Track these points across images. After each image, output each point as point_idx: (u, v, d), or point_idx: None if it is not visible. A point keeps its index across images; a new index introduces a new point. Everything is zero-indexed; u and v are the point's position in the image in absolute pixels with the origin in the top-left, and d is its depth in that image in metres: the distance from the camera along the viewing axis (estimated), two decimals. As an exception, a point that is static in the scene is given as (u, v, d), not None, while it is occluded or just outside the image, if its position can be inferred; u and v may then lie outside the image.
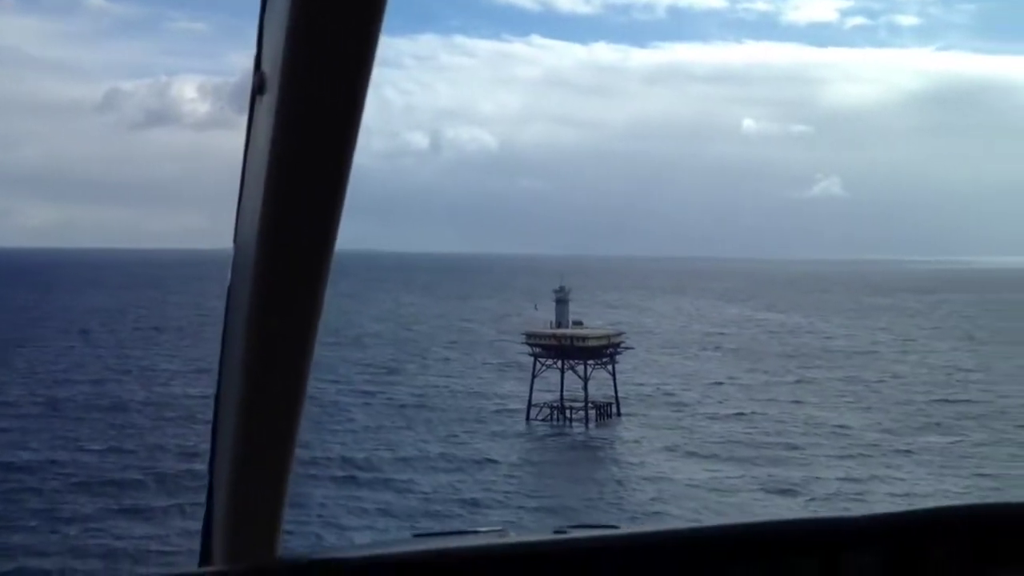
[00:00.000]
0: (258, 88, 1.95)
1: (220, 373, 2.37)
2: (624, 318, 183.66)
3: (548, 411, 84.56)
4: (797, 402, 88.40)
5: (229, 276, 2.22)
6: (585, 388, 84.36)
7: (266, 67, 1.90)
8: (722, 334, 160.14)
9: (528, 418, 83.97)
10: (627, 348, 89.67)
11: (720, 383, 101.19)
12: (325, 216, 1.84)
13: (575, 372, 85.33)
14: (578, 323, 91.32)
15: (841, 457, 67.03)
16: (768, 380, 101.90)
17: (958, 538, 2.24)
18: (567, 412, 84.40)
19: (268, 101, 1.87)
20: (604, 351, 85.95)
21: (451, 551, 2.20)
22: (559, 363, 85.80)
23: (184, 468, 57.61)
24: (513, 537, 2.46)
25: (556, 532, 2.42)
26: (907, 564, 2.19)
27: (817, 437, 74.04)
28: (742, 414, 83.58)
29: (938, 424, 78.43)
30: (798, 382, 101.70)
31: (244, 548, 2.37)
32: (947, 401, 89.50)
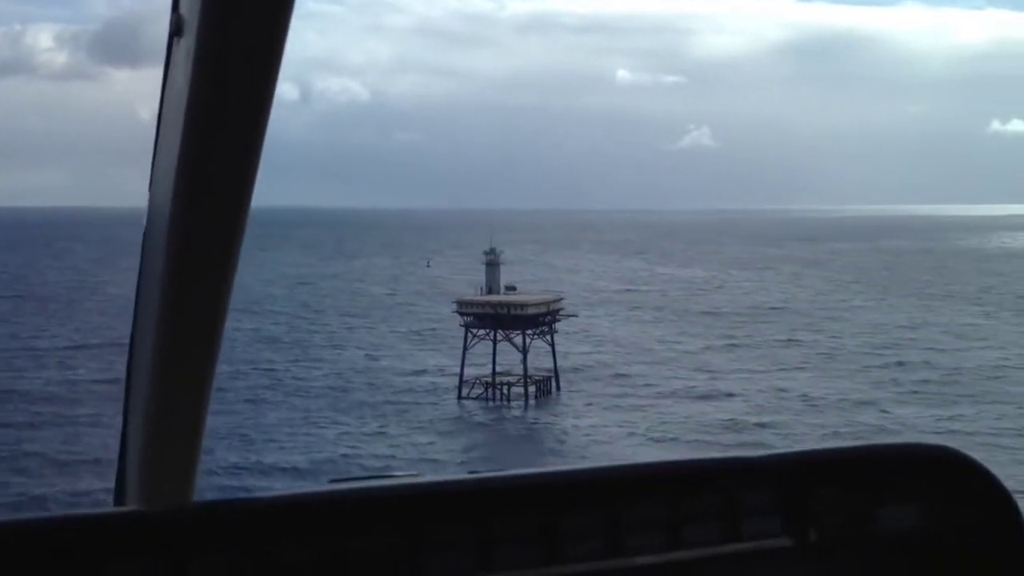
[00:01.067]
0: (175, 31, 1.87)
1: (136, 314, 2.39)
2: (525, 275, 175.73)
3: (482, 388, 76.09)
4: (749, 371, 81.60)
5: (144, 223, 2.25)
6: (524, 362, 76.13)
7: (183, 8, 1.82)
8: (631, 291, 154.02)
9: (460, 396, 75.44)
10: (568, 316, 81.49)
11: (654, 349, 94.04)
12: (244, 164, 1.82)
13: (512, 343, 77.13)
14: (511, 288, 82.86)
15: (828, 436, 60.09)
16: (705, 345, 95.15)
17: (849, 477, 2.31)
18: (503, 389, 76.06)
19: (186, 44, 1.80)
20: (543, 319, 77.67)
21: (368, 491, 2.22)
22: (494, 333, 77.35)
23: (70, 488, 47.05)
24: (429, 480, 2.54)
25: (472, 471, 2.47)
26: (801, 502, 2.27)
27: (788, 413, 67.21)
28: (694, 388, 76.33)
29: (913, 392, 72.64)
30: (734, 345, 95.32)
31: (158, 490, 2.36)
32: (901, 364, 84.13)
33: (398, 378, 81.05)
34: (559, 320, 79.06)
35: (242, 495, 2.43)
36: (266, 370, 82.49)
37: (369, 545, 2.15)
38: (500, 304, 76.66)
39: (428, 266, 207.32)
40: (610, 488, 2.34)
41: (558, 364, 78.74)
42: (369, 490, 2.31)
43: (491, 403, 75.04)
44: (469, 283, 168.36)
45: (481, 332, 78.18)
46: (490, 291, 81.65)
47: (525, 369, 75.90)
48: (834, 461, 2.49)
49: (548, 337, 78.36)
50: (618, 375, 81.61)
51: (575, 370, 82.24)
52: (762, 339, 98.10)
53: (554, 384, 77.32)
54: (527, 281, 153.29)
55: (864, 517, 2.40)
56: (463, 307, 78.63)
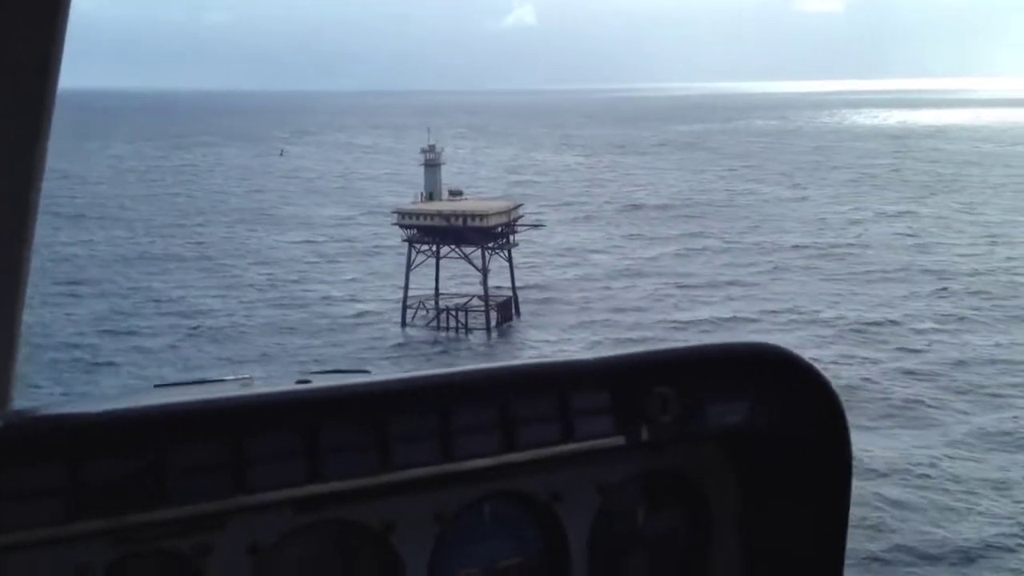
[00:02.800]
0: None
1: None
2: (395, 167, 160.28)
3: (427, 313, 62.92)
4: (737, 284, 70.45)
5: None
6: (485, 283, 63.11)
7: None
8: (525, 183, 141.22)
9: (404, 323, 62.23)
10: (533, 226, 68.59)
11: (603, 257, 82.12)
12: (47, 36, 1.70)
13: (469, 261, 64.15)
14: (456, 193, 68.88)
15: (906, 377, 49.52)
16: (660, 250, 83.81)
17: (681, 376, 2.40)
18: (457, 315, 63.07)
19: None
20: (502, 230, 64.38)
21: (190, 403, 2.12)
22: (447, 250, 64.12)
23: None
24: (259, 387, 2.45)
25: (300, 379, 2.36)
26: (633, 402, 2.36)
27: (841, 344, 56.19)
28: (696, 314, 64.61)
29: (942, 311, 62.88)
30: (690, 249, 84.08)
31: None
32: (904, 270, 74.61)
33: (322, 307, 66.53)
34: (518, 231, 65.80)
35: (59, 406, 2.14)
36: (155, 301, 66.24)
37: (190, 458, 1.99)
38: (454, 214, 62.57)
39: (281, 155, 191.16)
40: (441, 394, 2.23)
41: (503, 282, 66.05)
42: (192, 402, 2.08)
43: (446, 333, 61.89)
44: (339, 175, 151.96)
45: (426, 247, 64.62)
46: (430, 197, 67.41)
47: (487, 292, 62.92)
48: (666, 361, 2.44)
49: (505, 252, 65.34)
50: (583, 296, 69.22)
51: (526, 288, 69.47)
52: (715, 240, 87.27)
53: (514, 309, 64.53)
54: (399, 175, 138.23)
55: (695, 414, 2.39)
56: (406, 218, 64.26)
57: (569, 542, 2.42)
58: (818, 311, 62.54)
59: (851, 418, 2.38)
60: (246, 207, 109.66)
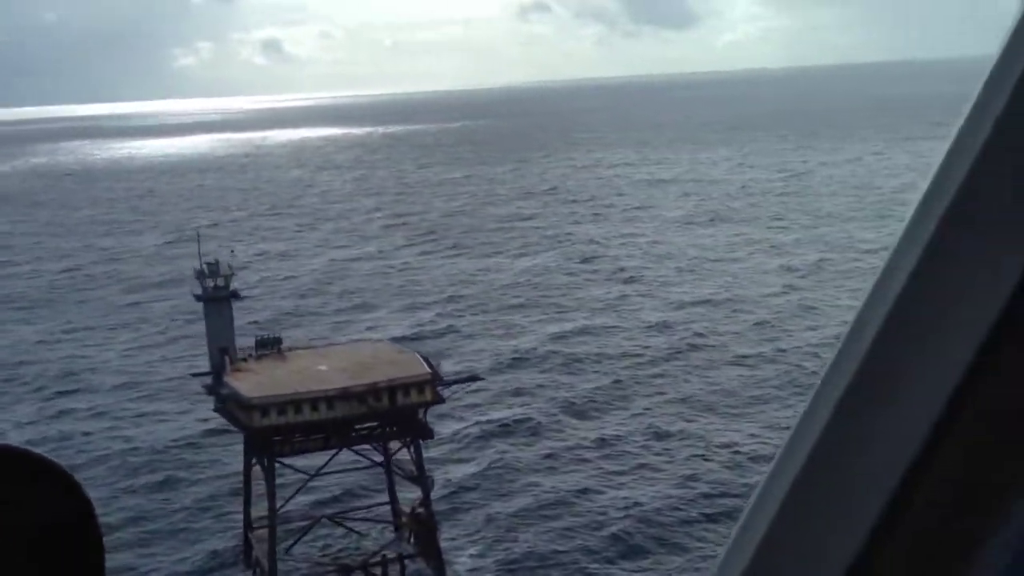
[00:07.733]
0: None
1: None
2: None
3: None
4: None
5: None
6: (427, 502, 36.48)
7: None
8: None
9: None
10: (470, 379, 41.41)
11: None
12: None
13: (400, 469, 37.00)
14: (272, 343, 37.85)
15: None
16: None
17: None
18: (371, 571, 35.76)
19: None
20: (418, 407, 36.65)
21: None
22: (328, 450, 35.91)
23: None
24: None
25: None
26: None
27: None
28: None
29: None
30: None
31: None
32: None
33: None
34: (439, 400, 37.91)
35: None
36: None
37: None
38: (373, 390, 33.21)
39: None
40: None
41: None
42: None
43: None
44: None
45: (294, 455, 35.21)
46: (225, 355, 36.03)
47: (432, 524, 36.01)
48: None
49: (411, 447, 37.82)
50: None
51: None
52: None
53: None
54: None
55: None
56: (266, 415, 32.85)
57: None
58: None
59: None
60: None
